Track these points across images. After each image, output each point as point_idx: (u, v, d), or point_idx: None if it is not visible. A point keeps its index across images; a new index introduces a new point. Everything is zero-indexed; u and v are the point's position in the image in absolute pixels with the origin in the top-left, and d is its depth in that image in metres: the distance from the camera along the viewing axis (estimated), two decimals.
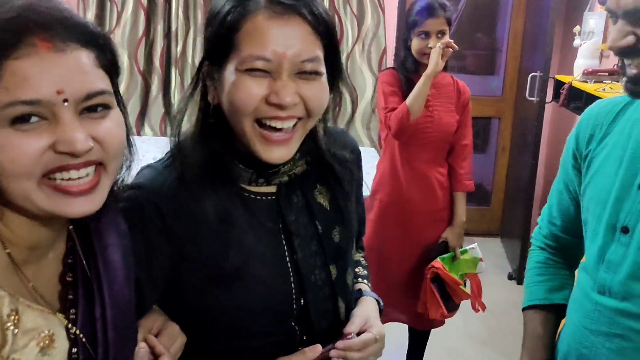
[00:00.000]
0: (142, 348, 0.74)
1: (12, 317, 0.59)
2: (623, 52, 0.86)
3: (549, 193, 1.17)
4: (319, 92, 0.81)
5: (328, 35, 0.81)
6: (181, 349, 0.83)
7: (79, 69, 0.60)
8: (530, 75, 3.14)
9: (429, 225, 2.11)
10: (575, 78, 2.69)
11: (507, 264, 3.46)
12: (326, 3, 3.19)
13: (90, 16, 3.18)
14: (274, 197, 0.89)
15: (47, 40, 0.58)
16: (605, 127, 1.00)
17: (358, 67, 3.33)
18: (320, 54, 0.80)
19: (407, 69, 2.03)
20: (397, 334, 2.26)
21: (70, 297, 0.68)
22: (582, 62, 2.75)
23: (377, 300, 1.01)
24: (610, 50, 0.89)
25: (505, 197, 3.88)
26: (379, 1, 3.28)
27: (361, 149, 1.07)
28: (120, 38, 3.21)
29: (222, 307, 0.85)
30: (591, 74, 2.58)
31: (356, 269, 1.07)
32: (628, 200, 0.92)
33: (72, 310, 0.67)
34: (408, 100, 1.94)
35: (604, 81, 2.52)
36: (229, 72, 0.78)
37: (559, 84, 2.94)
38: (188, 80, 3.34)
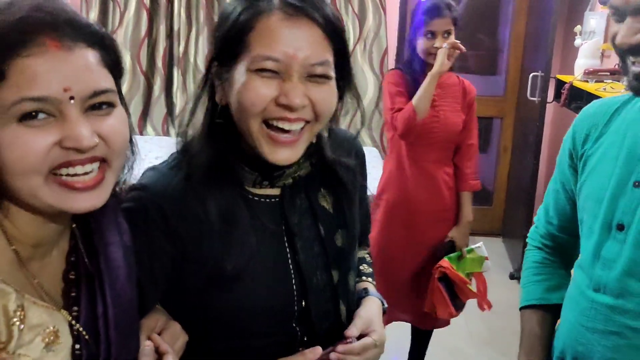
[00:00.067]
0: (147, 346, 0.75)
1: (18, 313, 0.60)
2: (633, 49, 0.87)
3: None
4: (327, 95, 0.81)
5: (338, 40, 0.81)
6: (183, 348, 0.84)
7: (85, 67, 0.61)
8: (531, 75, 3.15)
9: (434, 224, 2.11)
10: (576, 78, 2.69)
11: (509, 263, 3.46)
12: None
13: (93, 16, 3.19)
14: (277, 199, 0.89)
15: (55, 39, 0.59)
16: (600, 127, 1.01)
17: (359, 67, 3.34)
18: (330, 58, 0.80)
19: (413, 69, 2.03)
20: (398, 334, 2.26)
21: (73, 294, 0.69)
22: (583, 61, 2.76)
23: (382, 301, 1.01)
24: (619, 48, 0.88)
25: (506, 197, 3.89)
26: (380, 1, 3.29)
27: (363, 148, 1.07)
28: (122, 38, 3.22)
29: (223, 307, 0.85)
30: (592, 74, 2.59)
31: (361, 267, 1.07)
32: (624, 198, 0.93)
33: (75, 308, 0.68)
34: (414, 101, 1.94)
35: (605, 81, 2.52)
36: (239, 73, 0.79)
37: (560, 84, 2.94)
38: (190, 80, 3.35)
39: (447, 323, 2.22)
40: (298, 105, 0.77)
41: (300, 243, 0.88)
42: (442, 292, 2.01)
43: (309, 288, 0.88)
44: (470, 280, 2.08)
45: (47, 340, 0.63)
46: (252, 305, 0.85)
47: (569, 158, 1.07)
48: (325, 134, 0.91)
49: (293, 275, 0.88)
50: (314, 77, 0.79)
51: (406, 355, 2.37)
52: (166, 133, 3.42)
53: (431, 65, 1.94)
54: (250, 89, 0.77)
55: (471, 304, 2.12)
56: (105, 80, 0.64)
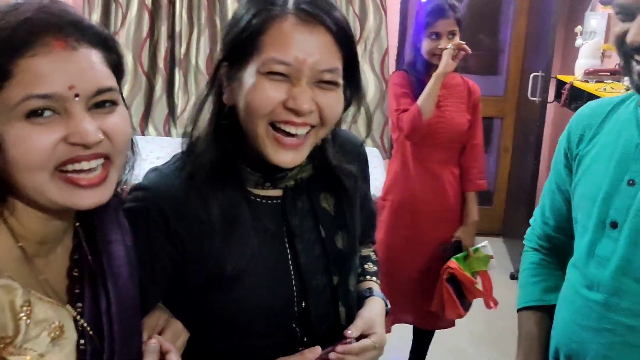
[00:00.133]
0: (152, 344, 0.76)
1: (25, 308, 0.62)
2: None
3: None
4: (334, 102, 0.82)
5: (349, 48, 0.82)
6: (184, 345, 0.84)
7: (89, 66, 0.63)
8: (532, 75, 3.15)
9: (438, 225, 2.12)
10: (576, 78, 2.69)
11: (510, 263, 3.46)
12: None
13: (95, 17, 3.20)
14: (279, 201, 0.89)
15: (60, 39, 0.61)
16: (595, 128, 1.02)
17: (360, 67, 3.33)
18: (339, 65, 0.81)
19: (417, 70, 2.03)
20: (400, 334, 2.26)
21: (77, 291, 0.70)
22: (584, 62, 2.76)
23: (385, 302, 1.01)
24: (630, 46, 0.88)
25: (507, 197, 3.89)
26: (381, 1, 3.29)
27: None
28: (124, 39, 3.23)
29: (223, 307, 0.86)
30: (592, 74, 2.59)
31: (365, 265, 1.08)
32: (617, 196, 0.94)
33: (79, 304, 0.69)
34: (419, 101, 1.95)
35: (605, 81, 2.52)
36: (249, 74, 0.79)
37: (560, 84, 2.94)
38: (192, 81, 3.36)
39: (452, 324, 2.23)
40: (306, 110, 0.78)
41: (301, 245, 0.89)
42: (451, 293, 2.02)
43: (309, 289, 0.89)
44: (476, 279, 2.09)
45: (52, 335, 0.64)
46: (252, 306, 0.86)
47: (564, 158, 1.08)
48: (330, 141, 0.92)
49: (293, 277, 0.89)
50: (322, 83, 0.80)
51: (407, 356, 2.37)
52: (168, 133, 3.43)
53: (436, 66, 1.95)
54: (259, 91, 0.78)
55: (472, 303, 2.13)
56: (108, 79, 0.66)
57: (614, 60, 2.69)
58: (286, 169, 0.85)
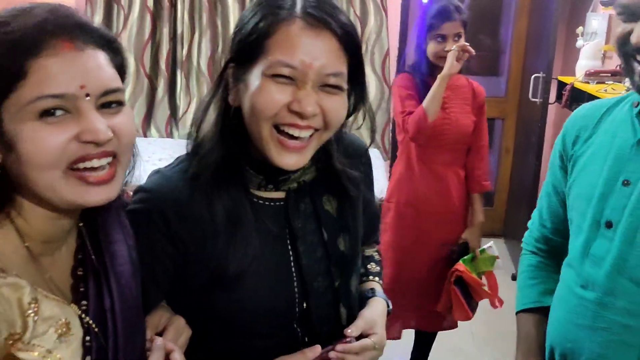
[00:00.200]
0: (158, 342, 0.77)
1: (33, 305, 0.63)
2: None
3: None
4: (338, 106, 0.83)
5: (354, 53, 0.83)
6: (187, 341, 0.85)
7: (97, 67, 0.65)
8: (533, 76, 3.16)
9: (442, 226, 2.12)
10: (577, 79, 2.69)
11: (511, 264, 3.46)
12: None
13: (98, 19, 3.22)
14: (282, 203, 0.90)
15: (69, 41, 0.63)
16: (590, 129, 1.03)
17: None
18: (344, 70, 0.82)
19: (422, 72, 2.04)
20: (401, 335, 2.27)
21: (82, 289, 0.72)
22: (585, 63, 2.76)
23: (387, 303, 1.02)
24: (636, 46, 0.88)
25: (508, 198, 3.89)
26: (381, 3, 3.30)
27: None
28: (126, 41, 3.24)
29: (225, 307, 0.86)
30: (593, 75, 2.59)
31: (368, 265, 1.08)
32: (613, 196, 0.95)
33: (84, 302, 0.71)
34: (424, 103, 1.95)
35: (606, 82, 2.52)
36: (255, 76, 0.80)
37: (561, 85, 2.95)
38: (193, 82, 3.37)
39: (454, 325, 2.23)
40: (310, 113, 0.79)
41: (303, 247, 0.89)
42: (459, 296, 2.03)
43: (310, 291, 0.90)
44: (481, 279, 2.10)
45: (59, 331, 0.65)
46: (253, 306, 0.86)
47: (559, 160, 1.09)
48: (334, 144, 0.92)
49: (295, 278, 0.89)
50: (327, 87, 0.81)
51: (408, 356, 2.37)
52: (169, 135, 3.44)
53: (441, 68, 1.95)
54: (264, 93, 0.79)
55: (478, 304, 2.13)
56: (115, 80, 0.68)
57: (615, 62, 2.69)
58: (289, 171, 0.85)
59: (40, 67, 0.61)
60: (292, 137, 0.81)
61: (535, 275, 1.16)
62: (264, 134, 0.81)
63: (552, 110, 3.38)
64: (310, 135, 0.82)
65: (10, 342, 0.61)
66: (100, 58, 0.66)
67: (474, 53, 1.95)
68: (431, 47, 1.99)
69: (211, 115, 0.86)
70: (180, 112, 3.39)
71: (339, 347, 0.87)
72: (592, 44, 2.80)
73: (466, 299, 2.04)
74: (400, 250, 2.13)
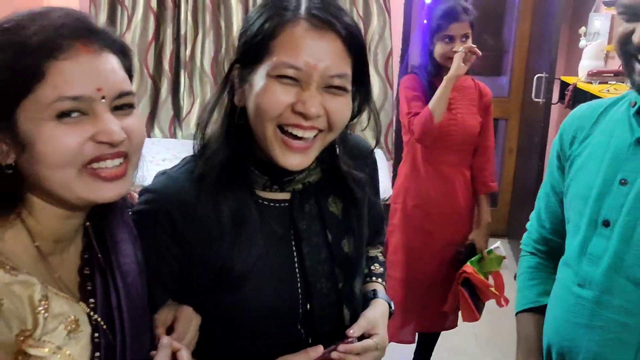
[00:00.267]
0: (165, 340, 0.78)
1: (43, 303, 0.65)
2: None
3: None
4: (343, 107, 0.83)
5: (359, 55, 0.84)
6: (197, 329, 0.86)
7: (111, 70, 0.67)
8: (536, 76, 3.15)
9: (448, 226, 2.13)
10: (580, 79, 2.69)
11: (514, 264, 3.45)
12: None
13: (101, 20, 3.22)
14: (287, 204, 0.90)
15: (86, 44, 0.65)
16: (587, 129, 1.04)
17: None
18: (349, 72, 0.82)
19: (429, 73, 2.04)
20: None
21: (89, 288, 0.73)
22: (587, 63, 2.76)
23: (389, 304, 1.02)
24: (638, 46, 0.89)
25: (511, 198, 3.89)
26: (384, 3, 3.30)
27: None
28: (130, 42, 3.25)
29: (229, 307, 0.87)
30: (596, 75, 2.59)
31: (372, 266, 1.09)
32: (610, 195, 0.95)
33: (92, 300, 0.72)
34: (431, 104, 1.95)
35: (609, 82, 2.52)
36: (260, 76, 0.81)
37: (564, 85, 2.94)
38: (197, 83, 3.38)
39: (455, 325, 2.24)
40: (314, 114, 0.79)
41: (307, 248, 0.90)
42: (467, 298, 2.04)
43: (314, 293, 0.90)
44: (488, 279, 2.10)
45: (69, 328, 0.67)
46: (257, 306, 0.87)
47: (557, 160, 1.09)
48: (340, 142, 0.93)
49: (299, 279, 0.90)
50: (331, 89, 0.81)
51: (411, 356, 2.38)
52: (173, 135, 3.45)
53: (448, 69, 1.95)
54: (268, 94, 0.79)
55: (484, 305, 2.14)
56: (127, 83, 0.70)
57: (618, 62, 2.68)
58: (294, 172, 0.86)
59: (59, 69, 0.63)
60: (296, 137, 0.81)
61: (535, 276, 1.17)
62: (268, 134, 0.81)
63: (555, 110, 3.38)
64: (315, 136, 0.83)
65: (22, 338, 0.62)
66: (114, 62, 0.68)
67: (480, 54, 1.95)
68: (439, 48, 1.99)
69: (217, 117, 0.87)
70: (184, 112, 3.40)
71: (341, 347, 0.88)
72: (595, 44, 2.80)
73: (473, 301, 2.05)
74: (409, 251, 2.14)
